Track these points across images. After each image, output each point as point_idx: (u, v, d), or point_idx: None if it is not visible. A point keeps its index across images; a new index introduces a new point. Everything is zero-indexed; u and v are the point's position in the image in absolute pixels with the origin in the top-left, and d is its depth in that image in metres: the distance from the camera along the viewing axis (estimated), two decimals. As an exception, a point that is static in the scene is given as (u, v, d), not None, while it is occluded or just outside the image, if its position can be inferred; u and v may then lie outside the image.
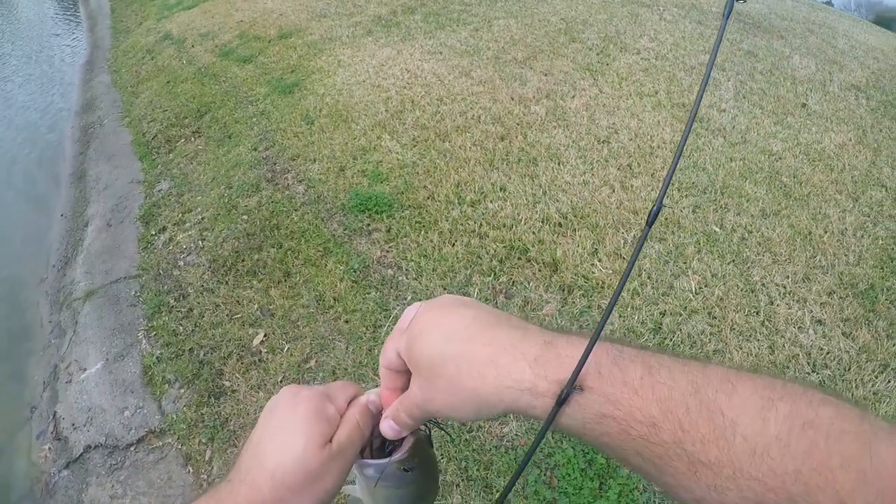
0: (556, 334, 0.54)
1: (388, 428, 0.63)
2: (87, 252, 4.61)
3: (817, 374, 3.11)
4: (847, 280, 3.63)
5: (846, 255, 3.80)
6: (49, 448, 3.33)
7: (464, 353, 0.54)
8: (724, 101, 5.54)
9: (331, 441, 0.61)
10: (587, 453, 2.72)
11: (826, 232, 3.95)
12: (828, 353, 3.20)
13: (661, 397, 0.47)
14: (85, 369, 3.67)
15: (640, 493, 2.62)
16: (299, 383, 3.14)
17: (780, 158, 4.68)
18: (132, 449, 3.18)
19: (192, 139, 5.60)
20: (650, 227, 0.56)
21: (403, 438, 0.65)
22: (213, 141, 5.39)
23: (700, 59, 6.57)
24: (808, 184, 4.41)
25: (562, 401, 0.49)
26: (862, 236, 3.97)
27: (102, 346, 3.75)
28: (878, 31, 11.52)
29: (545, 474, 2.68)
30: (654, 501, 2.59)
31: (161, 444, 3.17)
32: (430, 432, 0.69)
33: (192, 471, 3.02)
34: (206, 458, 3.02)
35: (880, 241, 3.96)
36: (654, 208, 0.55)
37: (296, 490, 0.58)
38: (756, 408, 0.44)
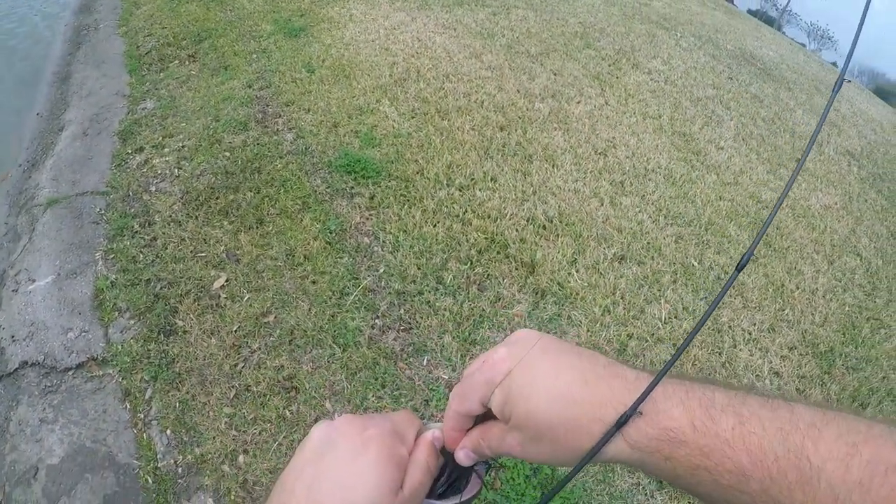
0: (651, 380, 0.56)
1: (464, 457, 0.63)
2: (57, 158, 4.42)
3: None
4: (809, 339, 3.68)
5: (813, 315, 3.85)
6: (-18, 358, 3.20)
7: (572, 416, 0.55)
8: (723, 139, 5.56)
9: (402, 487, 0.58)
10: (533, 462, 2.69)
11: (798, 288, 4.00)
12: None
13: (752, 447, 0.48)
14: (34, 280, 3.51)
15: None
16: (250, 339, 3.10)
17: (767, 207, 4.71)
18: (70, 374, 3.06)
19: (187, 62, 5.39)
20: (739, 271, 0.60)
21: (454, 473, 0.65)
22: (207, 69, 5.20)
23: (707, 92, 6.60)
24: (788, 238, 4.46)
25: (621, 423, 0.52)
26: (831, 299, 4.04)
27: (56, 259, 3.59)
28: (879, 103, 11.79)
29: (489, 475, 2.65)
30: None
31: (101, 373, 3.05)
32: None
33: (129, 407, 2.91)
34: (146, 397, 2.92)
35: (846, 308, 4.03)
36: (746, 255, 0.60)
37: None
38: (841, 454, 0.45)
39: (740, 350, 3.43)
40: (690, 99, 6.16)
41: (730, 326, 3.57)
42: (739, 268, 0.59)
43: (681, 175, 4.65)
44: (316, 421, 2.73)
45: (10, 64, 5.94)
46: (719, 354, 3.38)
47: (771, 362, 3.43)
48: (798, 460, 0.46)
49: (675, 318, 3.48)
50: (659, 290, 3.60)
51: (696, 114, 5.87)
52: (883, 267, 4.60)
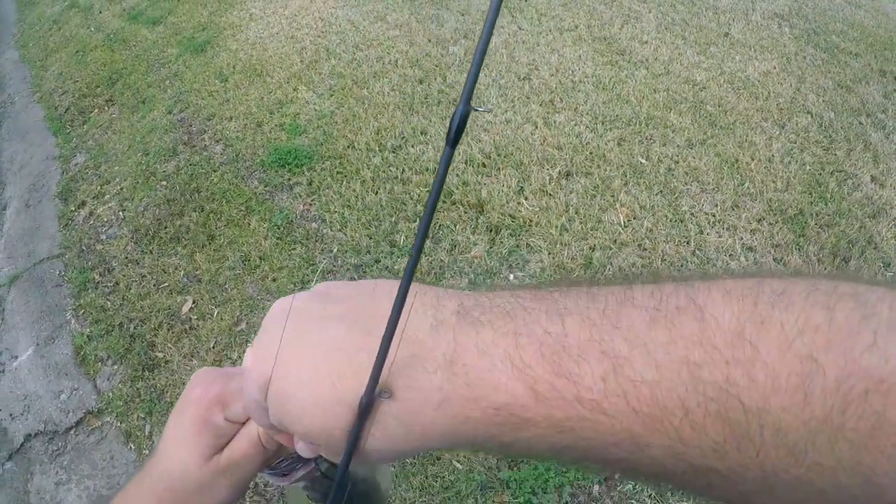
0: (460, 330, 0.39)
1: (303, 448, 0.46)
2: (7, 236, 4.43)
3: None
4: (776, 206, 3.68)
5: (774, 182, 3.85)
6: (-12, 442, 3.28)
7: (323, 415, 0.40)
8: (645, 32, 5.50)
9: (220, 452, 0.55)
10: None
11: (753, 159, 4.00)
12: None
13: (642, 408, 0.32)
14: (16, 357, 3.57)
15: None
16: (229, 350, 3.15)
17: (704, 88, 4.69)
18: (72, 432, 3.13)
19: (106, 108, 5.36)
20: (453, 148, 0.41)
21: None
22: (126, 108, 5.17)
23: None
24: (733, 112, 4.44)
25: (364, 413, 0.38)
26: (789, 163, 4.03)
27: (31, 330, 3.65)
28: None
29: None
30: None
31: (100, 423, 3.13)
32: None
33: (133, 447, 2.99)
34: (147, 433, 2.99)
35: (807, 167, 4.03)
36: (456, 114, 0.38)
37: (180, 498, 0.54)
38: (792, 380, 0.29)
39: (707, 234, 3.45)
40: (604, 2, 6.09)
41: (692, 214, 3.58)
42: (451, 143, 0.37)
43: (609, 78, 4.63)
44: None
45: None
46: (687, 244, 3.40)
47: (742, 239, 3.45)
48: (724, 407, 0.30)
49: (634, 219, 3.50)
50: (612, 196, 3.62)
51: (612, 15, 5.81)
52: (836, 118, 4.57)
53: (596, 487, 2.51)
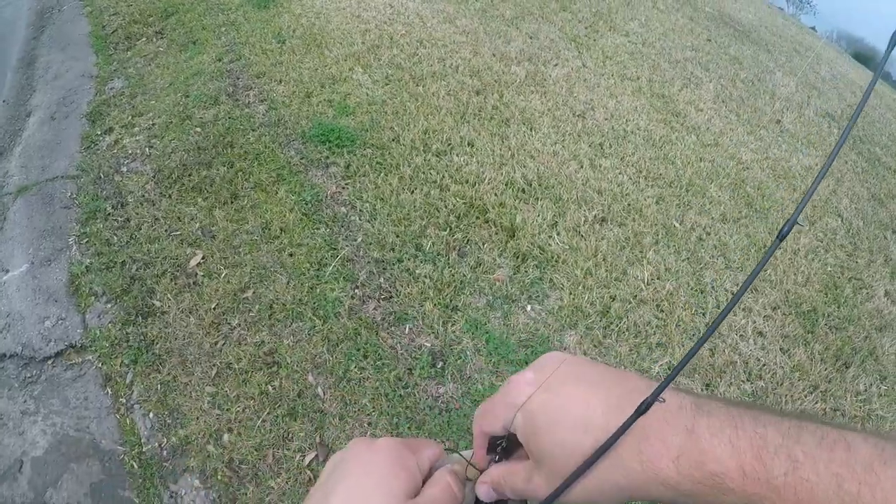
0: (697, 413, 0.50)
1: (484, 493, 0.60)
2: (25, 144, 4.31)
3: (752, 384, 3.15)
4: (792, 299, 3.68)
5: (795, 275, 3.84)
6: (-40, 354, 3.15)
7: (593, 446, 0.51)
8: (702, 100, 5.50)
9: (415, 497, 0.55)
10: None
11: (780, 249, 3.95)
12: (764, 365, 3.24)
13: (803, 498, 0.44)
14: (7, 271, 3.44)
15: None
16: (230, 315, 3.06)
17: (748, 168, 4.67)
18: (49, 363, 3.01)
19: (154, 39, 5.25)
20: (781, 240, 0.53)
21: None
22: (175, 44, 5.06)
23: (686, 54, 6.54)
24: (770, 198, 4.43)
25: (641, 411, 0.49)
26: (812, 259, 4.03)
27: (29, 247, 3.52)
28: (858, 66, 11.84)
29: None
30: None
31: (80, 360, 3.00)
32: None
33: (110, 393, 2.87)
34: (127, 381, 2.88)
35: (828, 268, 4.03)
36: (788, 223, 0.52)
37: None
38: None
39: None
40: (669, 61, 6.09)
41: (713, 287, 3.54)
42: (781, 236, 0.52)
43: (660, 136, 4.59)
44: (299, 395, 2.73)
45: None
46: (703, 315, 3.36)
47: (755, 322, 3.42)
48: (872, 488, 0.42)
49: (658, 279, 3.45)
50: (641, 252, 3.57)
51: (674, 75, 5.79)
52: (863, 228, 4.60)
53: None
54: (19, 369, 2.99)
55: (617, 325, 3.14)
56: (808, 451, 0.45)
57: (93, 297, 3.20)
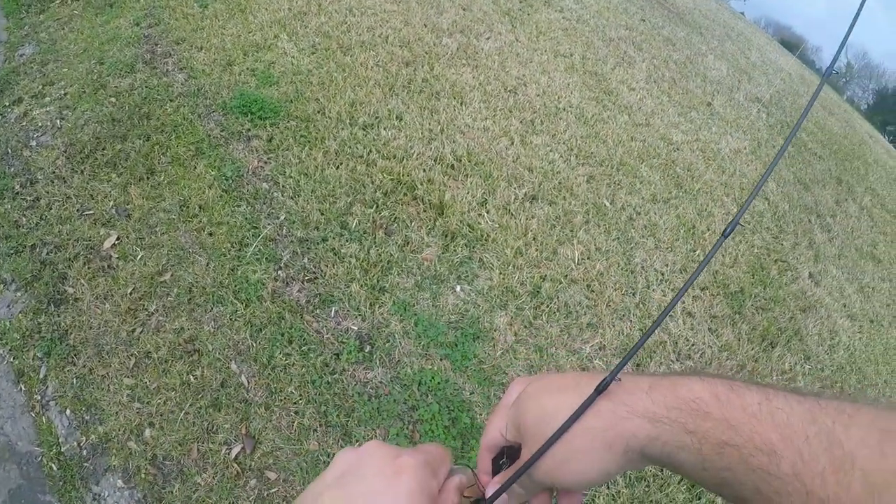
0: (657, 377, 0.54)
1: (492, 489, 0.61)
2: (-78, 115, 4.00)
3: (681, 363, 3.20)
4: (721, 280, 3.75)
5: (723, 256, 3.93)
6: None
7: (578, 403, 0.54)
8: (635, 80, 5.52)
9: None
10: (451, 411, 2.65)
11: (709, 230, 4.04)
12: (693, 344, 3.30)
13: (781, 423, 0.45)
14: None
15: None
16: (146, 300, 2.92)
17: (678, 149, 4.71)
18: (-41, 368, 2.86)
19: (69, 1, 4.91)
20: (725, 237, 0.58)
21: None
22: (91, 7, 4.75)
23: (620, 32, 6.55)
24: (699, 180, 4.49)
25: (601, 389, 0.52)
26: (740, 242, 4.12)
27: (-75, 228, 3.29)
28: (786, 53, 12.22)
29: (407, 427, 2.61)
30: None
31: None
32: None
33: (24, 389, 2.73)
34: (41, 376, 2.75)
35: (755, 250, 4.14)
36: (731, 224, 0.58)
37: None
38: (874, 440, 0.41)
39: (653, 290, 3.45)
40: (602, 39, 6.05)
41: (643, 267, 3.57)
42: (725, 235, 0.58)
43: (592, 114, 4.57)
44: (222, 385, 2.64)
45: None
46: (633, 295, 3.39)
47: (684, 302, 3.48)
48: (829, 443, 0.43)
49: (588, 258, 3.45)
50: (571, 231, 3.56)
51: (608, 54, 5.76)
52: (789, 211, 4.73)
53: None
54: (-80, 368, 2.83)
55: (548, 306, 3.13)
56: (776, 390, 0.48)
57: (1, 286, 3.03)
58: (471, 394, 2.76)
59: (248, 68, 3.97)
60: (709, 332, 3.41)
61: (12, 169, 3.50)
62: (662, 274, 3.56)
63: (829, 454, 0.42)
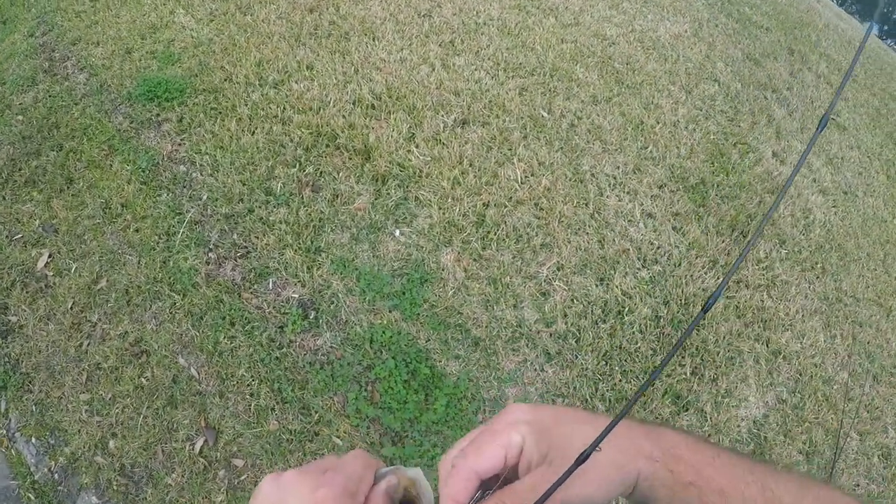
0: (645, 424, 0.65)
1: None
2: None
3: (647, 269, 3.06)
4: (678, 173, 3.56)
5: (678, 148, 3.71)
6: None
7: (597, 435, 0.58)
8: None
9: None
10: (409, 363, 2.57)
11: (658, 122, 3.81)
12: (658, 247, 3.15)
13: (728, 473, 0.58)
14: None
15: (469, 402, 2.52)
16: (88, 311, 2.84)
17: (614, 44, 4.42)
18: (-84, 421, 2.86)
19: (-39, 29, 4.70)
20: (705, 313, 0.64)
21: None
22: (-17, 29, 4.53)
23: None
24: (641, 72, 4.22)
25: (581, 460, 0.54)
26: (694, 130, 3.89)
27: None
28: None
29: (366, 390, 2.53)
30: (484, 409, 2.51)
31: None
32: None
33: None
34: (2, 410, 2.73)
35: (711, 136, 3.92)
36: (713, 296, 0.62)
37: None
38: (794, 490, 0.57)
39: (607, 197, 3.30)
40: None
41: (592, 174, 3.39)
42: (705, 309, 0.64)
43: (516, 23, 4.29)
44: (174, 381, 2.57)
45: None
46: (586, 206, 3.24)
47: (642, 204, 3.32)
48: (763, 487, 0.56)
49: (532, 175, 3.29)
50: (510, 150, 3.38)
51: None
52: (742, 90, 4.46)
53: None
54: None
55: (495, 234, 3.00)
56: (723, 449, 0.61)
57: None
58: (427, 341, 2.67)
59: (147, 52, 3.78)
60: (673, 232, 3.26)
61: (-67, 213, 3.39)
62: (614, 178, 3.39)
63: (762, 495, 0.56)
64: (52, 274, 3.01)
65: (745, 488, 0.56)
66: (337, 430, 2.47)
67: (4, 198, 3.31)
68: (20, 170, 3.40)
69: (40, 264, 3.05)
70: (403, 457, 2.38)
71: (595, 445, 0.56)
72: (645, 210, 3.30)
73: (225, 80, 3.52)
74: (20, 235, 3.16)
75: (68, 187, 3.27)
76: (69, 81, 3.78)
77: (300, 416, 2.49)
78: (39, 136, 3.53)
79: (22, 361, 2.80)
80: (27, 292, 2.96)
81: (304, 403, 2.52)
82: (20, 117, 3.68)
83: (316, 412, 2.50)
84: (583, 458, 0.55)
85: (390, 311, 2.73)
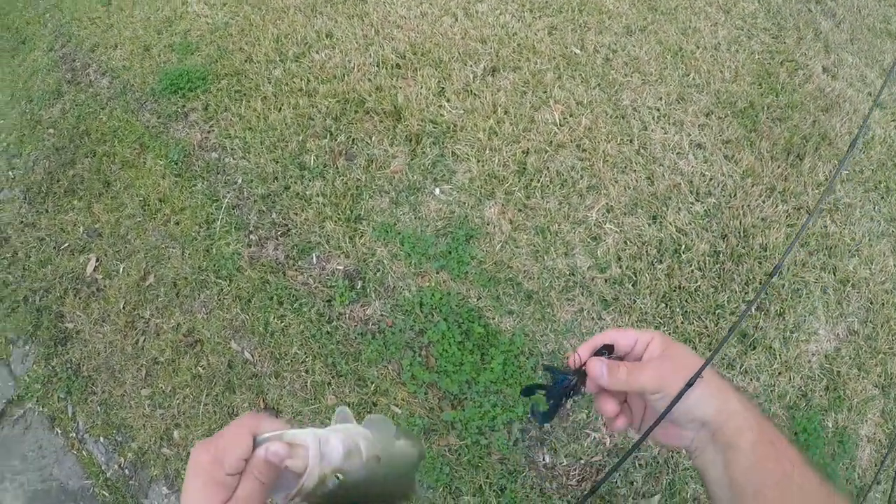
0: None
1: (598, 367, 0.78)
2: None
3: (701, 203, 2.87)
4: (725, 99, 3.31)
5: (721, 72, 3.45)
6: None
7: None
8: None
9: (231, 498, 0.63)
10: (461, 324, 2.46)
11: (698, 47, 3.55)
12: (710, 179, 2.94)
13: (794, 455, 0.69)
14: (-78, 353, 3.25)
15: (526, 358, 2.41)
16: (140, 309, 2.83)
17: None
18: (-3, 427, 2.96)
19: (-18, 55, 4.76)
20: (772, 277, 1.36)
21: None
22: (6, 52, 4.57)
23: None
24: None
25: (690, 383, 0.70)
26: (737, 51, 3.61)
27: (-68, 326, 3.32)
28: None
29: (420, 355, 2.44)
30: (542, 364, 2.40)
31: (22, 412, 2.90)
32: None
33: (60, 432, 2.79)
34: (70, 414, 2.78)
35: (756, 56, 3.63)
36: (779, 263, 1.34)
37: None
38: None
39: (652, 131, 3.10)
40: None
41: (634, 108, 3.19)
42: (772, 273, 1.00)
43: None
44: (229, 366, 2.53)
45: None
46: (630, 142, 3.05)
47: (689, 135, 3.11)
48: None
49: (571, 116, 3.11)
50: (545, 92, 3.20)
51: None
52: (784, 4, 4.10)
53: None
54: (-27, 445, 2.93)
55: (539, 181, 2.85)
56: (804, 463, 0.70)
57: (10, 346, 3.06)
58: (478, 299, 2.56)
59: (165, 46, 3.74)
60: (725, 161, 3.04)
61: (-18, 235, 3.45)
62: (657, 110, 3.19)
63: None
64: (101, 277, 3.01)
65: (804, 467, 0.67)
66: (394, 398, 2.39)
67: (47, 210, 3.33)
68: (58, 181, 3.42)
69: (89, 269, 3.06)
70: (464, 419, 2.29)
71: (704, 367, 0.71)
72: (693, 140, 3.10)
73: (245, 61, 3.45)
74: (67, 244, 3.17)
75: (106, 190, 3.26)
76: (93, 88, 3.77)
77: (356, 388, 2.43)
78: (72, 146, 3.54)
79: (83, 365, 2.82)
80: (80, 298, 2.98)
81: (359, 375, 2.45)
82: (51, 130, 3.70)
83: (372, 382, 2.43)
84: (692, 381, 0.70)
85: (438, 273, 2.63)
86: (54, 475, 2.70)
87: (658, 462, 2.30)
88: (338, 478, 0.66)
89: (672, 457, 2.33)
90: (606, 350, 0.79)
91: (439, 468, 2.25)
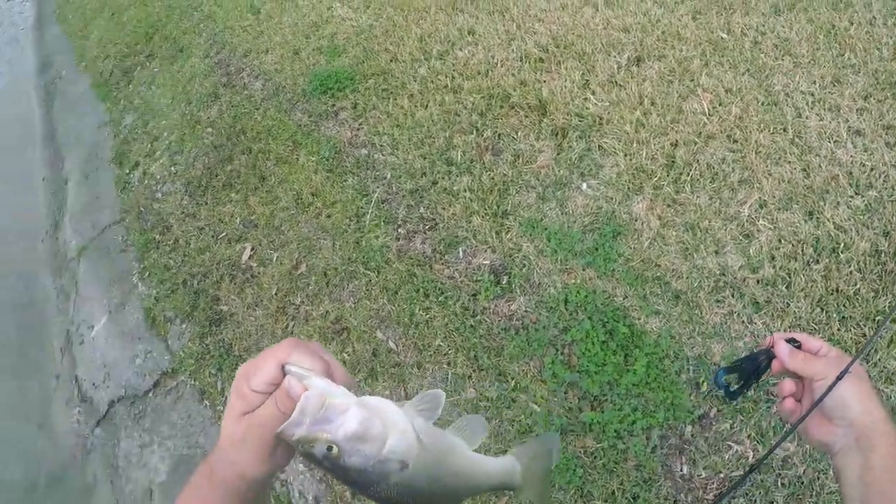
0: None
1: (785, 350, 0.93)
2: (71, 210, 4.42)
3: (862, 196, 2.61)
4: (884, 79, 2.98)
5: (878, 50, 3.13)
6: (79, 412, 3.36)
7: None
8: None
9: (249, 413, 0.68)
10: (606, 323, 2.40)
11: (852, 24, 3.26)
12: (872, 169, 2.67)
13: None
14: (93, 326, 3.60)
15: (671, 361, 2.31)
16: (291, 295, 2.98)
17: None
18: (150, 395, 3.17)
19: (147, 64, 5.19)
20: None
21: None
22: (166, 60, 4.98)
23: None
24: None
25: (840, 377, 0.83)
26: (894, 25, 3.29)
27: (103, 299, 3.65)
28: None
29: (562, 353, 2.40)
30: (687, 369, 2.29)
31: (175, 383, 3.13)
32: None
33: (208, 404, 2.97)
34: (219, 389, 2.95)
35: None
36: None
37: (225, 448, 0.70)
38: None
39: (807, 118, 2.87)
40: None
41: (786, 94, 2.96)
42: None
43: None
44: (373, 354, 2.61)
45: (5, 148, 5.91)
46: (784, 131, 2.83)
47: (847, 121, 2.82)
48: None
49: (720, 105, 2.95)
50: (692, 81, 3.07)
51: None
52: None
53: (688, 428, 2.17)
54: (128, 409, 3.17)
55: (688, 174, 2.73)
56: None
57: (168, 324, 3.30)
58: (624, 298, 2.47)
59: (313, 49, 3.94)
60: (887, 149, 2.73)
61: (149, 223, 3.76)
62: (812, 94, 2.96)
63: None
64: (255, 265, 3.18)
65: None
66: (534, 395, 2.35)
67: (207, 203, 3.58)
68: (217, 176, 3.66)
69: (245, 257, 3.25)
70: (602, 422, 2.24)
71: (853, 362, 0.84)
72: (851, 127, 2.82)
73: (391, 60, 3.57)
74: (224, 234, 3.39)
75: (261, 185, 3.46)
76: (247, 90, 4.02)
77: (496, 383, 2.41)
78: (229, 144, 3.79)
79: (234, 345, 2.99)
80: (235, 283, 3.16)
81: (500, 370, 2.43)
82: (209, 129, 3.97)
83: (512, 378, 2.40)
84: (848, 367, 0.82)
85: (584, 270, 2.58)
86: (199, 443, 2.89)
87: (802, 482, 2.13)
88: (329, 449, 0.62)
89: (818, 478, 2.17)
90: (795, 343, 0.94)
91: (573, 470, 2.19)
